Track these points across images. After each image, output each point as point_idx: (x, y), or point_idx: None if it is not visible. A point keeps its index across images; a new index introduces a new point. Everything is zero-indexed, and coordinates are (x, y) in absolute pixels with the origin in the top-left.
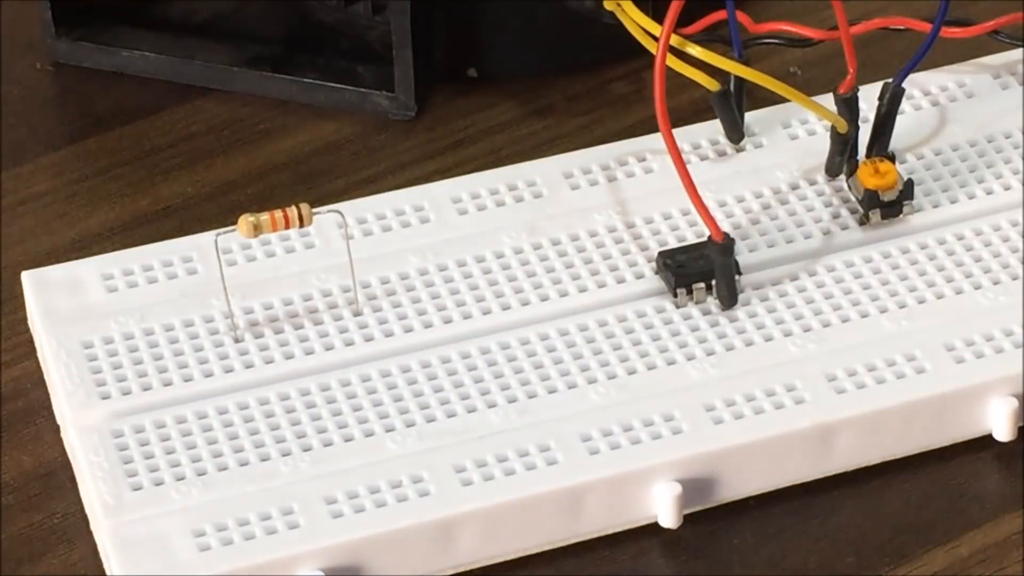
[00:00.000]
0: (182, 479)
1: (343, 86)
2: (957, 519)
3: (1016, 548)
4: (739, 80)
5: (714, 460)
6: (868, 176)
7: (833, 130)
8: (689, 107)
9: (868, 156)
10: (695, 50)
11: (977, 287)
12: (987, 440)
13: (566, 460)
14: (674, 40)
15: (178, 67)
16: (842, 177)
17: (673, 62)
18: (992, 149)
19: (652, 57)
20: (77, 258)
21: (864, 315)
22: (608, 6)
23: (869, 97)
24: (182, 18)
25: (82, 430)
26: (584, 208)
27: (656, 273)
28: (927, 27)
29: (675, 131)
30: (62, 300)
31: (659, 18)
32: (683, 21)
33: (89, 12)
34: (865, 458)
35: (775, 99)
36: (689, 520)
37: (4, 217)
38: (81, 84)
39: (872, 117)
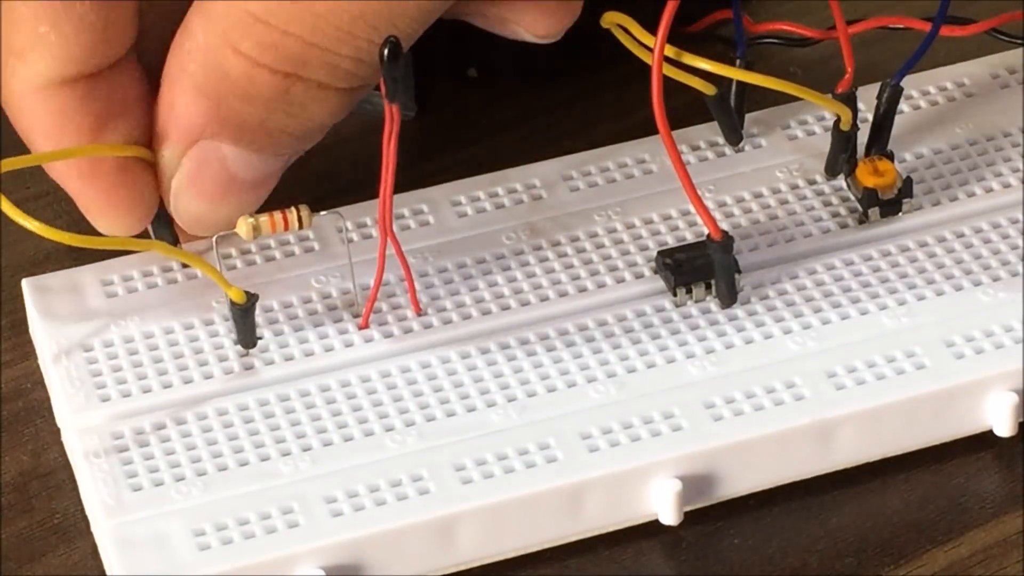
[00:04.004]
0: (182, 479)
1: None
2: (957, 519)
3: (1016, 548)
4: (740, 84)
5: (714, 457)
6: (867, 175)
7: (835, 128)
8: (688, 108)
9: (867, 155)
10: (691, 59)
11: (977, 284)
12: (987, 439)
13: (566, 458)
14: (670, 51)
15: None
16: (841, 176)
17: (669, 70)
18: (992, 148)
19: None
20: (77, 259)
21: (864, 312)
22: (606, 24)
23: (869, 97)
24: None
25: (82, 432)
26: (583, 209)
27: (655, 273)
28: (927, 27)
29: (674, 132)
30: (62, 306)
31: (656, 20)
32: (683, 20)
33: None
34: (865, 454)
35: (775, 99)
36: (689, 519)
37: (4, 217)
38: None
39: (871, 117)
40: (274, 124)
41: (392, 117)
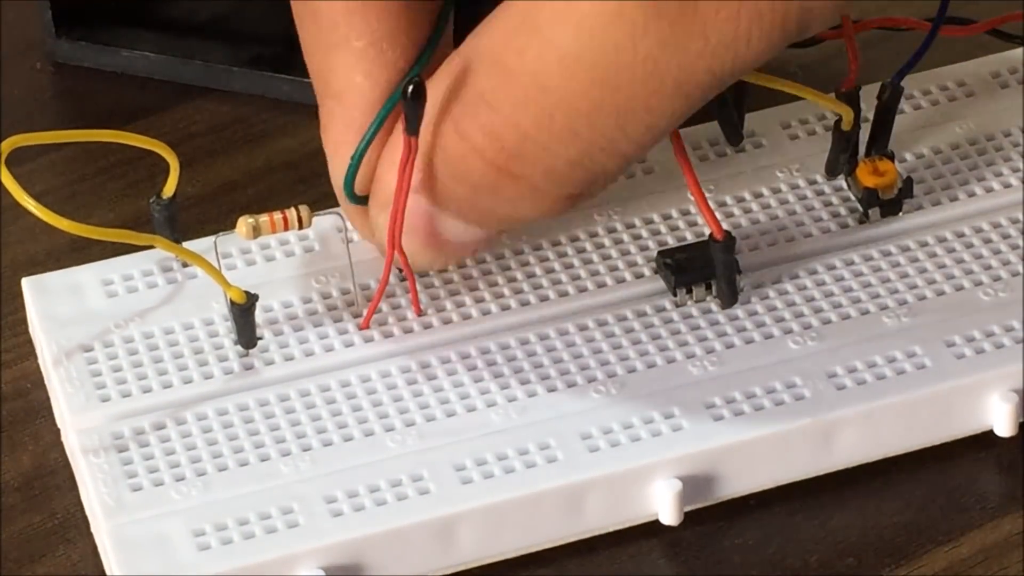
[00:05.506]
0: (182, 479)
1: None
2: (957, 519)
3: (1016, 548)
4: (740, 84)
5: (714, 457)
6: (867, 175)
7: (836, 128)
8: None
9: (867, 155)
10: None
11: (977, 283)
12: (988, 440)
13: (566, 458)
14: None
15: (178, 67)
16: (842, 176)
17: None
18: (992, 148)
19: None
20: (76, 259)
21: (864, 312)
22: None
23: (869, 97)
24: (182, 18)
25: (82, 432)
26: (584, 208)
27: (656, 273)
28: (927, 27)
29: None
30: (62, 306)
31: None
32: None
33: (89, 12)
34: (866, 454)
35: (775, 99)
36: (690, 519)
37: (4, 217)
38: (81, 84)
39: (871, 117)
40: (483, 205)
41: (410, 148)
